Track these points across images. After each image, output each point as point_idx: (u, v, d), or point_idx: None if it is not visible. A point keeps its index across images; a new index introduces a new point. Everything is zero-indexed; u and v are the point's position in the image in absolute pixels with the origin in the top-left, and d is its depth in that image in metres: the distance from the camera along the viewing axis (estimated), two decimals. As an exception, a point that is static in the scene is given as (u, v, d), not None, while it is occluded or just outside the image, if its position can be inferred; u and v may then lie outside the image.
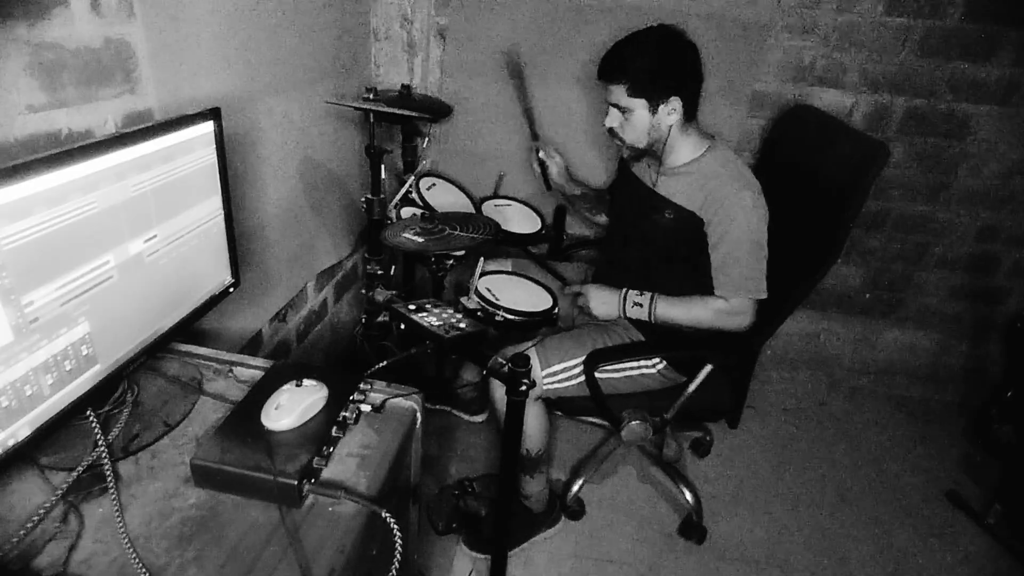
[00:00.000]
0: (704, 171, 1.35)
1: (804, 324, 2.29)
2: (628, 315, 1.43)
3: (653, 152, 1.40)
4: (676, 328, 1.41)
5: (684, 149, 1.38)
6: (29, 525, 0.69)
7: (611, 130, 1.40)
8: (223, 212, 1.02)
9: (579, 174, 1.87)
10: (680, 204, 1.37)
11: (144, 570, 0.66)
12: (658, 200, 1.41)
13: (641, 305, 1.41)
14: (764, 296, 1.34)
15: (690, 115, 1.35)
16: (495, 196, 1.95)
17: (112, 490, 0.75)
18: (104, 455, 0.78)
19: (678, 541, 1.65)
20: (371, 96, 1.40)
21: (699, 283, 1.37)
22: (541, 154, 1.66)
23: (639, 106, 1.33)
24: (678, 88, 1.30)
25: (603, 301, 1.45)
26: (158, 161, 0.84)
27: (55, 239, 0.69)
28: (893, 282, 2.19)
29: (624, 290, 1.43)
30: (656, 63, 1.30)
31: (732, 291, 1.34)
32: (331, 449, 0.84)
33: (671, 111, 1.32)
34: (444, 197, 1.82)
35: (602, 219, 1.77)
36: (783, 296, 1.35)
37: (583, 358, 1.36)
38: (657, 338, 1.45)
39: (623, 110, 1.35)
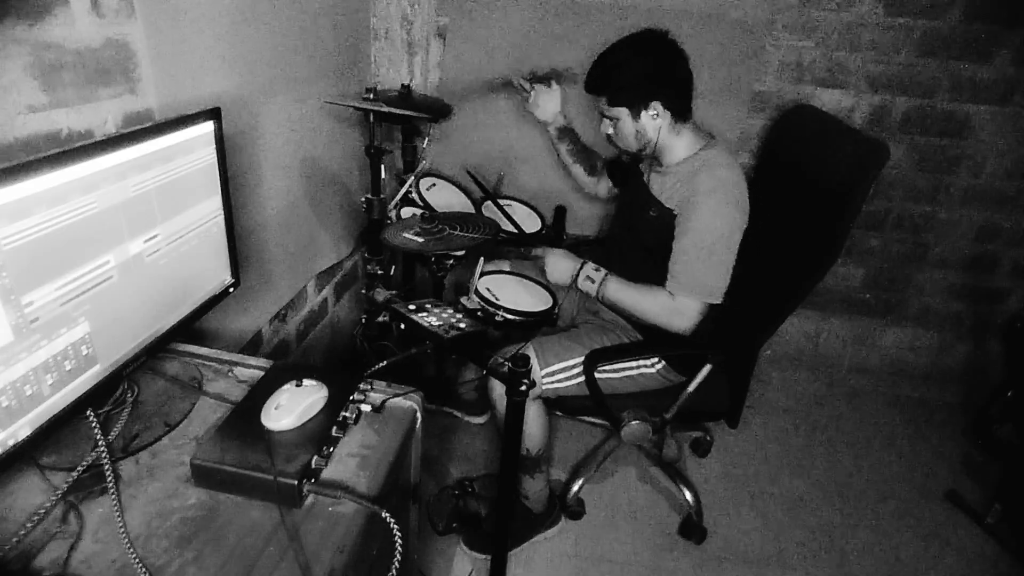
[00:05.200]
0: (689, 170, 1.35)
1: (804, 324, 2.29)
2: (579, 287, 1.41)
3: (650, 155, 1.41)
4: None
5: (678, 149, 1.38)
6: (29, 525, 0.70)
7: (608, 137, 1.43)
8: (223, 212, 1.02)
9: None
10: (662, 202, 1.38)
11: (144, 570, 0.66)
12: (649, 198, 1.42)
13: (593, 280, 1.39)
14: (716, 301, 1.31)
15: (680, 115, 1.35)
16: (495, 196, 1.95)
17: (112, 490, 0.75)
18: (104, 455, 0.78)
19: (678, 541, 1.65)
20: (371, 96, 1.40)
21: None
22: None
23: (623, 114, 1.35)
24: (657, 93, 1.31)
25: (558, 267, 1.43)
26: (158, 161, 0.84)
27: (55, 239, 0.69)
28: (893, 282, 2.19)
29: (583, 261, 1.41)
30: (630, 72, 1.31)
31: (679, 288, 1.31)
32: (331, 449, 0.84)
33: (654, 115, 1.33)
34: (444, 197, 1.82)
35: (578, 170, 1.76)
36: (783, 296, 1.35)
37: (582, 358, 1.36)
38: (655, 336, 1.45)
39: (610, 119, 1.38)
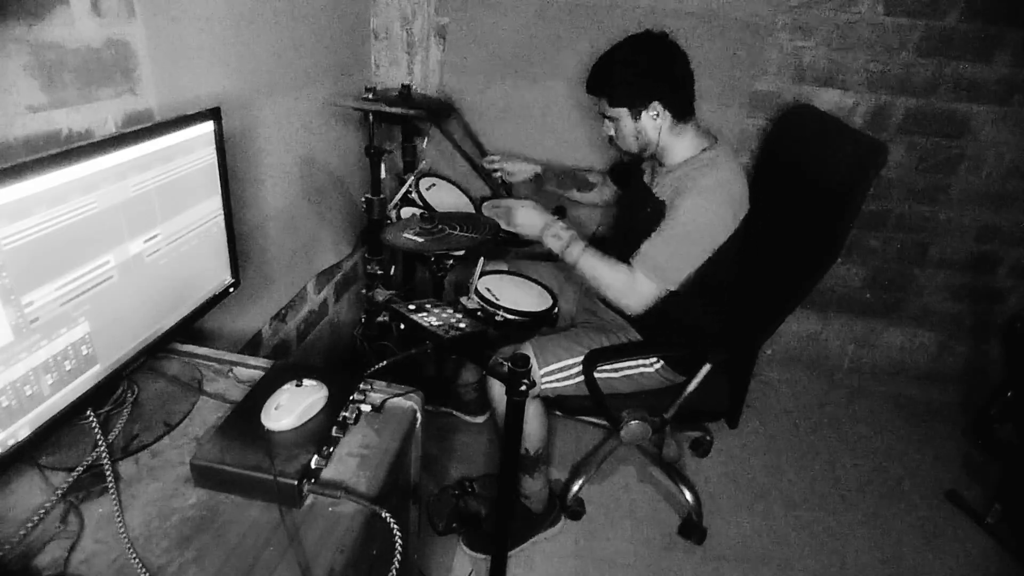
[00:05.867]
0: (691, 170, 1.35)
1: (804, 324, 2.29)
2: (546, 243, 1.37)
3: (652, 155, 1.41)
4: (669, 323, 1.39)
5: (679, 149, 1.38)
6: (29, 525, 0.69)
7: (610, 138, 1.43)
8: (223, 212, 1.02)
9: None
10: (662, 200, 1.38)
11: (144, 570, 0.66)
12: (650, 198, 1.42)
13: (560, 239, 1.35)
14: (671, 288, 1.30)
15: (681, 116, 1.35)
16: (495, 196, 1.95)
17: (112, 490, 0.75)
18: (104, 455, 0.78)
19: (678, 541, 1.65)
20: (371, 96, 1.40)
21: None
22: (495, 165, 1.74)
23: (623, 115, 1.35)
24: (656, 93, 1.31)
25: (528, 217, 1.38)
26: (158, 161, 0.84)
27: (55, 239, 0.69)
28: (893, 282, 2.19)
29: (554, 219, 1.38)
30: (630, 73, 1.31)
31: (640, 265, 1.30)
32: (331, 449, 0.84)
33: (654, 116, 1.33)
34: (444, 197, 1.82)
35: (571, 193, 1.77)
36: (783, 296, 1.35)
37: (581, 358, 1.36)
38: (654, 336, 1.45)
39: (611, 119, 1.38)
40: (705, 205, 1.28)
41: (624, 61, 1.32)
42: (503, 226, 1.41)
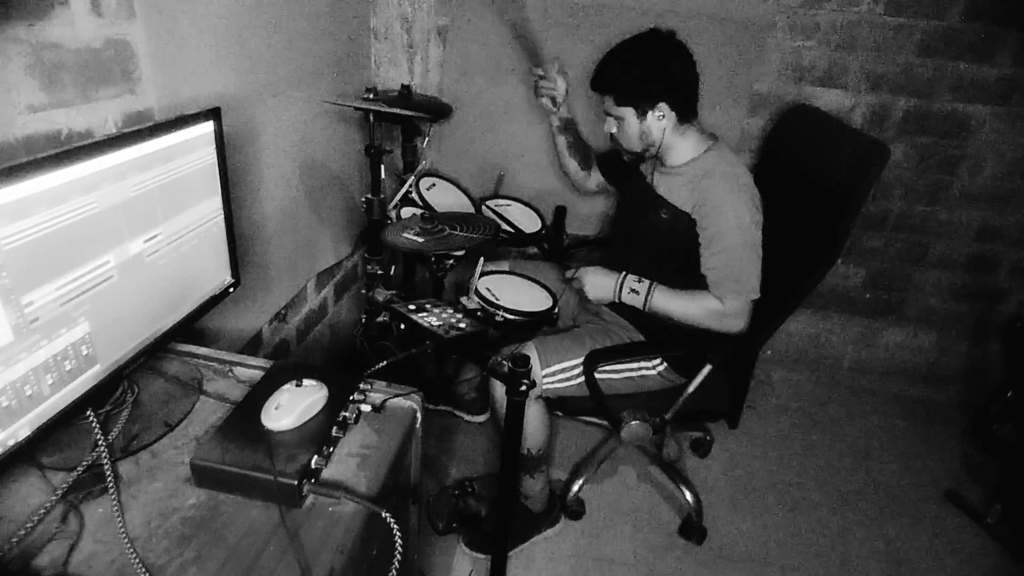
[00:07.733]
0: (699, 172, 1.35)
1: (804, 324, 2.29)
2: (623, 300, 1.41)
3: (653, 155, 1.41)
4: (672, 324, 1.40)
5: (682, 150, 1.38)
6: (29, 525, 0.69)
7: (612, 136, 1.43)
8: (223, 212, 1.02)
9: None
10: (675, 204, 1.38)
11: (144, 570, 0.66)
12: (656, 199, 1.42)
13: (637, 292, 1.39)
14: (756, 296, 1.33)
15: (685, 117, 1.35)
16: (495, 196, 1.95)
17: (112, 490, 0.75)
18: (104, 455, 0.78)
19: (678, 541, 1.65)
20: (371, 96, 1.40)
21: (695, 284, 1.37)
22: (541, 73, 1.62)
23: (628, 114, 1.35)
24: (664, 94, 1.31)
25: (598, 285, 1.43)
26: (158, 161, 0.84)
27: (55, 239, 0.69)
28: (893, 282, 2.19)
29: (623, 274, 1.42)
30: (638, 73, 1.31)
31: (726, 293, 1.33)
32: (331, 449, 0.84)
33: (660, 116, 1.34)
34: (444, 197, 1.81)
35: (572, 164, 1.75)
36: (783, 296, 1.35)
37: (582, 358, 1.36)
38: (656, 336, 1.45)
39: (616, 118, 1.38)
40: (743, 210, 1.30)
41: (631, 60, 1.32)
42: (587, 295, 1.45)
